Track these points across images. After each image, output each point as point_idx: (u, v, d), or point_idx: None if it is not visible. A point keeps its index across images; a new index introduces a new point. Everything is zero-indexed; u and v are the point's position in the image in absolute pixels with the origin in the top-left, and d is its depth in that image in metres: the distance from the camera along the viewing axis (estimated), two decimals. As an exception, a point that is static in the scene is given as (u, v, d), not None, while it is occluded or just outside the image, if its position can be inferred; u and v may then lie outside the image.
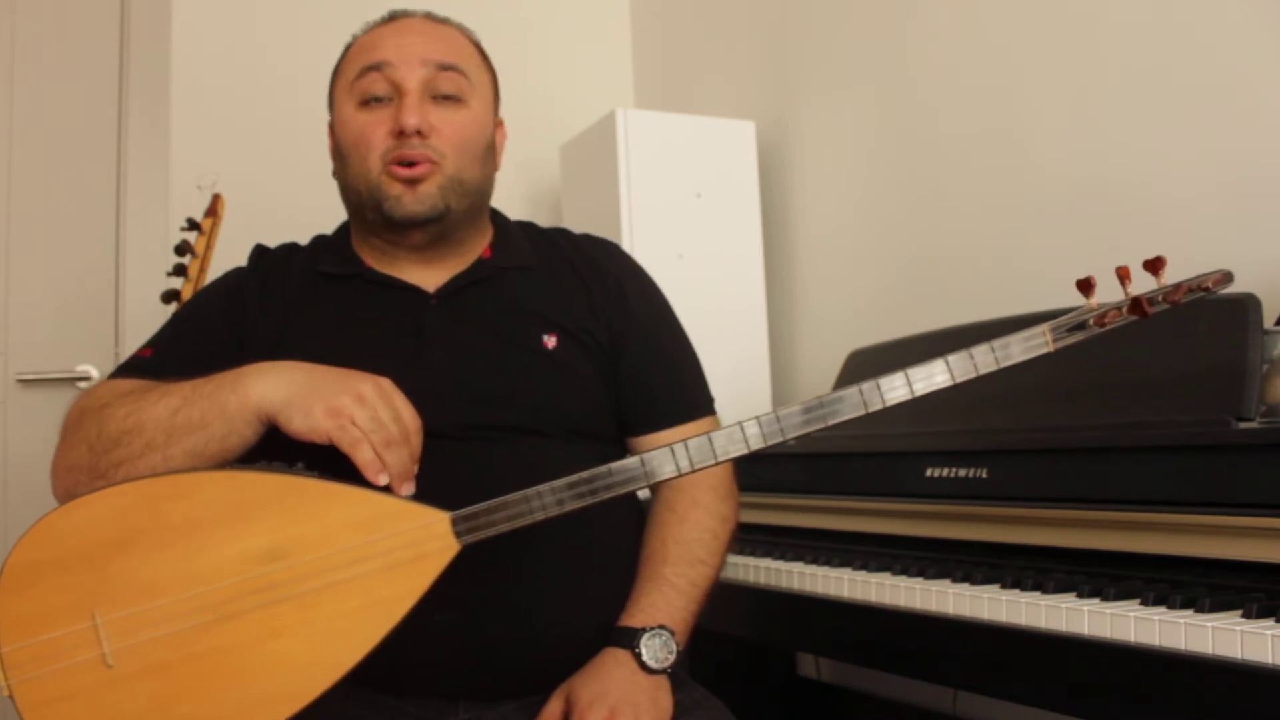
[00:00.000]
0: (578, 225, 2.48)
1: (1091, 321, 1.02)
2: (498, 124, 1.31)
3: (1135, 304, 1.01)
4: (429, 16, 1.27)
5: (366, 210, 1.22)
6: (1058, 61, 1.86)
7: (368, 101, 1.20)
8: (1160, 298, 1.02)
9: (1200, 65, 1.62)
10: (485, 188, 1.27)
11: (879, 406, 1.01)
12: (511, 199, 2.82)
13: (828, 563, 1.46)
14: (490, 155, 1.27)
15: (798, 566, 1.47)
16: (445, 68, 1.21)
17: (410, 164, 1.18)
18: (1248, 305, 1.23)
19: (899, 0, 2.22)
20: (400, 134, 1.17)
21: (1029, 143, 1.92)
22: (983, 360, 1.02)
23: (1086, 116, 1.81)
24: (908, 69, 2.19)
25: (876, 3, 2.28)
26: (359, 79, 1.21)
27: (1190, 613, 1.00)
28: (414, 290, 1.23)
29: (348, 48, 1.27)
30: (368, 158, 1.19)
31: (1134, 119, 1.73)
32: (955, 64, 2.08)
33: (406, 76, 1.19)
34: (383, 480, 1.02)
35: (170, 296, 2.06)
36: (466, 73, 1.23)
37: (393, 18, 1.26)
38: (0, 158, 2.43)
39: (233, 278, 1.29)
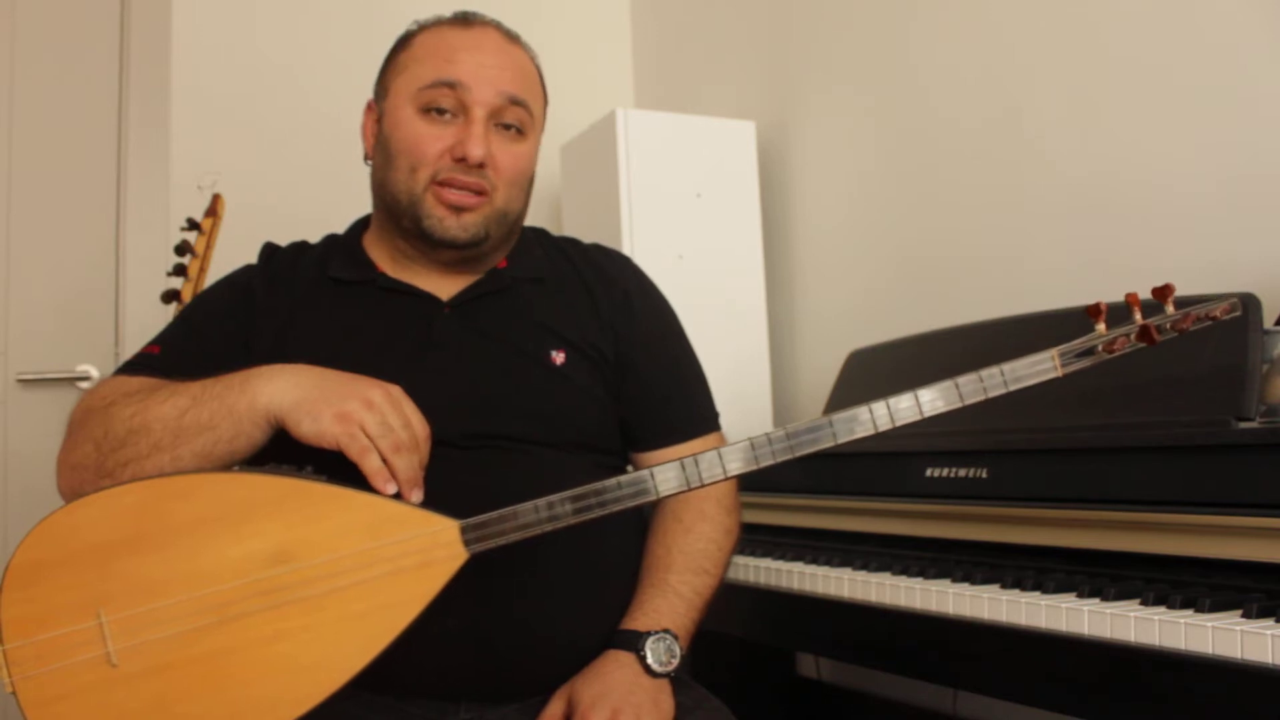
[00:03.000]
0: (578, 225, 2.50)
1: (1100, 348, 1.03)
2: None
3: (1144, 332, 1.03)
4: (499, 29, 1.25)
5: (403, 218, 1.21)
6: (1058, 61, 1.86)
7: (429, 111, 1.19)
8: (1168, 325, 1.03)
9: (1201, 64, 1.63)
10: (523, 216, 1.28)
11: (888, 426, 1.03)
12: (511, 199, 2.81)
13: (828, 563, 1.46)
14: (532, 185, 1.28)
15: (798, 566, 1.48)
16: (516, 101, 1.20)
17: (461, 190, 1.18)
18: (1248, 305, 1.23)
19: (900, 0, 2.22)
20: (460, 159, 1.17)
21: (1029, 143, 1.92)
22: (991, 383, 1.04)
23: (1088, 116, 1.81)
24: (908, 69, 2.19)
25: (877, 3, 2.28)
26: (428, 88, 1.19)
27: (1190, 613, 1.00)
28: (427, 298, 1.23)
29: (411, 36, 1.24)
30: (418, 170, 1.18)
31: (1135, 119, 1.73)
32: (955, 64, 2.08)
33: (478, 102, 1.18)
34: (390, 489, 1.02)
35: (170, 296, 2.06)
36: (531, 108, 1.23)
37: (467, 22, 1.23)
38: (0, 158, 2.43)
39: (241, 276, 1.28)
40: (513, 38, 1.26)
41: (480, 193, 1.19)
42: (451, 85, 1.18)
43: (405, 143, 1.19)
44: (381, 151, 1.23)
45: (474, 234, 1.19)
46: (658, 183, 2.35)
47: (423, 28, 1.25)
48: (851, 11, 2.35)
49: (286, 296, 1.24)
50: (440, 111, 1.19)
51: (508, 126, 1.21)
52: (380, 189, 1.24)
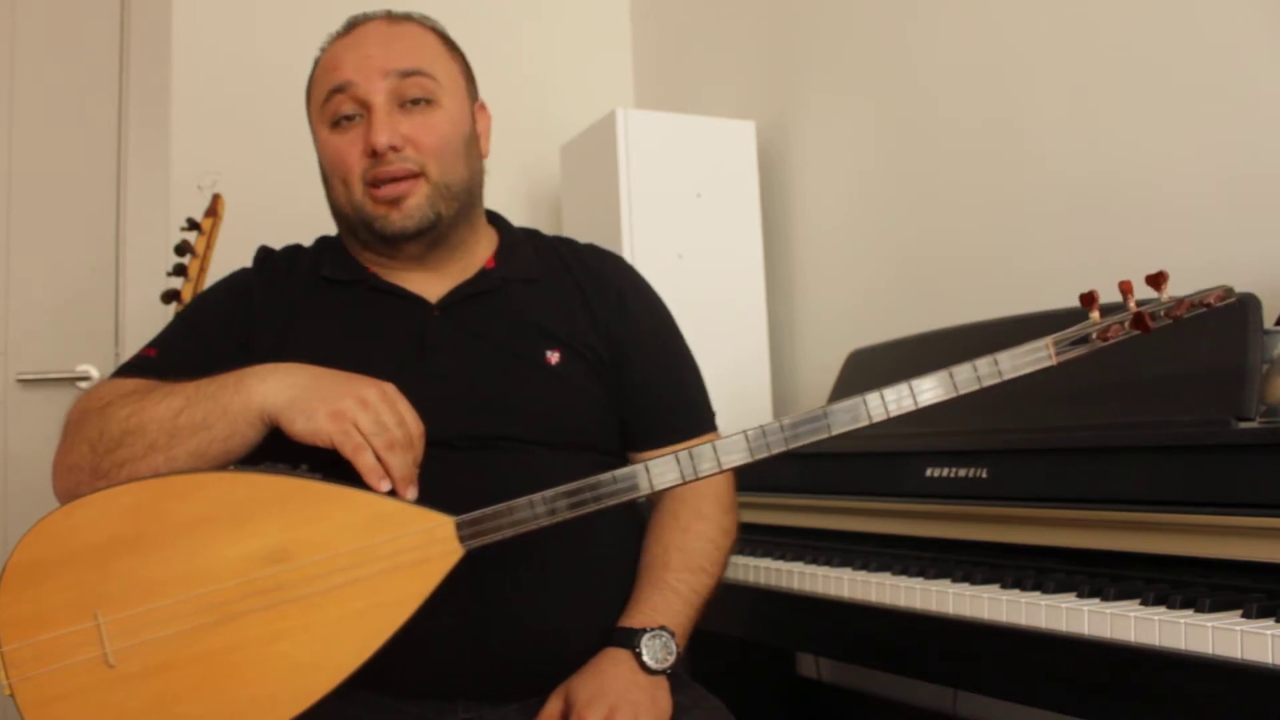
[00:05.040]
0: (578, 225, 2.50)
1: (1094, 335, 1.03)
2: (479, 108, 1.30)
3: (1138, 319, 1.03)
4: (387, 17, 1.25)
5: (358, 230, 1.22)
6: (1058, 61, 1.86)
7: (338, 122, 1.19)
8: (1162, 313, 1.03)
9: (1201, 64, 1.63)
10: (474, 182, 1.26)
11: (883, 417, 1.03)
12: (512, 199, 2.82)
13: (828, 563, 1.46)
14: (474, 147, 1.26)
15: (798, 566, 1.48)
16: (408, 74, 1.19)
17: (391, 180, 1.17)
18: (1248, 305, 1.23)
19: (900, 0, 2.22)
20: (374, 153, 1.17)
21: (1029, 142, 1.92)
22: (986, 372, 1.03)
23: (1088, 116, 1.81)
24: (908, 69, 2.19)
25: (877, 3, 2.28)
26: (327, 102, 1.20)
27: (1190, 613, 1.00)
28: (417, 300, 1.23)
29: (316, 63, 1.26)
30: (348, 180, 1.19)
31: (1135, 119, 1.73)
32: (955, 64, 2.08)
33: (370, 92, 1.18)
34: (384, 487, 1.03)
35: (170, 296, 2.06)
36: (432, 73, 1.21)
37: (350, 27, 1.24)
38: (0, 158, 2.43)
39: (238, 278, 1.29)
40: (400, 18, 1.25)
41: (409, 177, 1.18)
42: (341, 89, 1.19)
43: (329, 161, 1.21)
44: (322, 179, 1.24)
45: (421, 218, 1.19)
46: (658, 183, 2.35)
47: (321, 50, 1.26)
48: (851, 11, 2.35)
49: (284, 298, 1.24)
50: (349, 119, 1.19)
51: (416, 101, 1.20)
52: (334, 212, 1.25)
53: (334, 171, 1.20)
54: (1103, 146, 1.78)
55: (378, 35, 1.22)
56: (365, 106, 1.18)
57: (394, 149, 1.17)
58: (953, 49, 2.08)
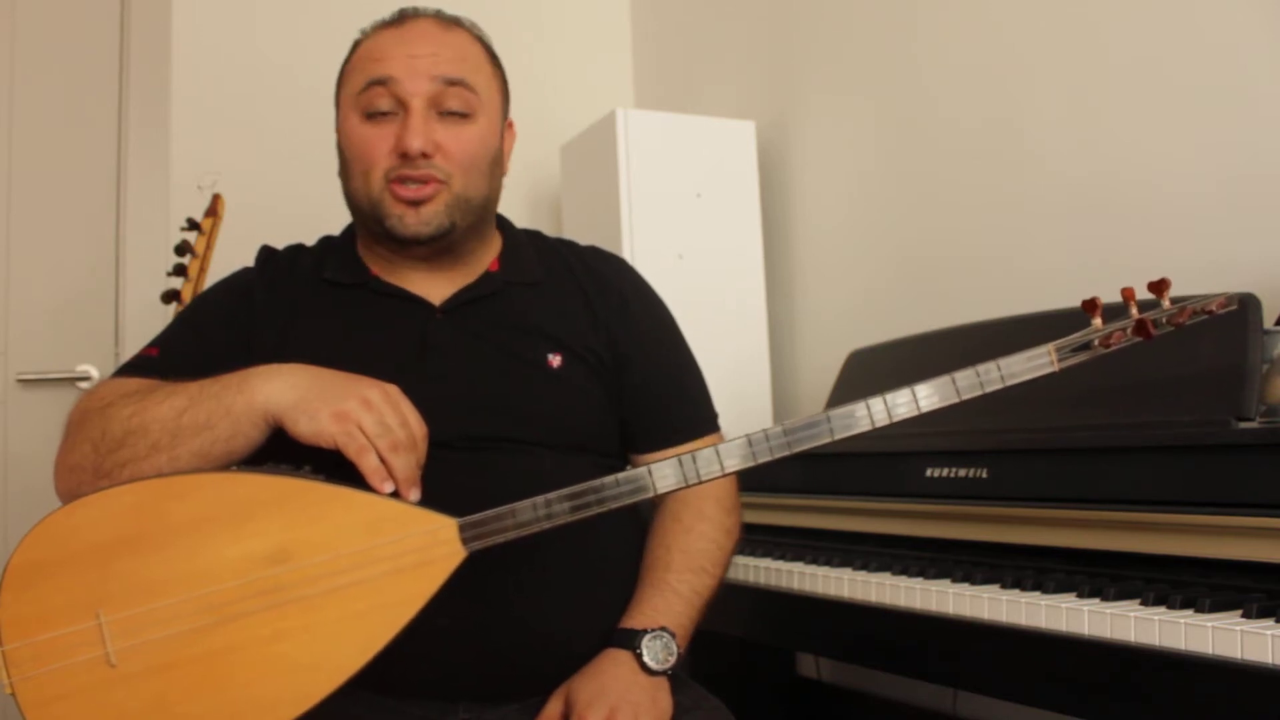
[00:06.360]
0: (578, 225, 2.50)
1: (1096, 342, 1.03)
2: (507, 125, 1.29)
3: (1140, 326, 1.03)
4: (439, 18, 1.23)
5: (369, 223, 1.21)
6: (1058, 61, 1.86)
7: (372, 115, 1.18)
8: (1165, 319, 1.03)
9: (1202, 64, 1.63)
10: (492, 199, 1.26)
11: (886, 422, 1.03)
12: (512, 199, 2.80)
13: (828, 563, 1.46)
14: (497, 165, 1.25)
15: (798, 566, 1.48)
16: (452, 82, 1.18)
17: (414, 183, 1.16)
18: (1248, 305, 1.23)
19: (900, 0, 2.22)
20: (404, 155, 1.16)
21: (1029, 142, 1.92)
22: (988, 377, 1.03)
23: (1088, 116, 1.81)
24: (908, 69, 2.19)
25: (877, 3, 2.28)
26: (364, 91, 1.18)
27: (1190, 613, 1.00)
28: (420, 302, 1.23)
29: (356, 46, 1.24)
30: (370, 173, 1.18)
31: (1135, 119, 1.73)
32: (955, 64, 2.08)
33: (412, 94, 1.17)
34: (388, 489, 1.02)
35: (170, 296, 2.06)
36: (475, 86, 1.20)
37: (401, 19, 1.23)
38: (0, 158, 2.43)
39: (240, 278, 1.29)
40: (451, 23, 1.24)
41: (437, 182, 1.17)
42: (383, 82, 1.17)
43: (354, 150, 1.20)
44: (341, 163, 1.23)
45: (437, 226, 1.18)
46: (658, 183, 2.35)
47: (364, 35, 1.24)
48: (852, 11, 2.35)
49: (285, 299, 1.24)
50: (383, 114, 1.18)
51: (453, 113, 1.19)
52: (348, 199, 1.24)
53: (357, 162, 1.19)
54: (1103, 146, 1.78)
55: (428, 36, 1.20)
56: (403, 105, 1.17)
57: (425, 155, 1.16)
58: (952, 49, 2.08)
